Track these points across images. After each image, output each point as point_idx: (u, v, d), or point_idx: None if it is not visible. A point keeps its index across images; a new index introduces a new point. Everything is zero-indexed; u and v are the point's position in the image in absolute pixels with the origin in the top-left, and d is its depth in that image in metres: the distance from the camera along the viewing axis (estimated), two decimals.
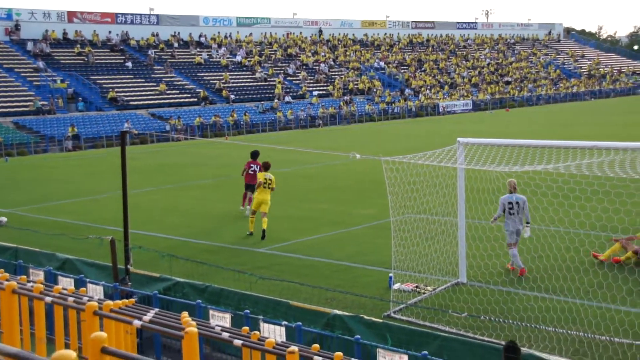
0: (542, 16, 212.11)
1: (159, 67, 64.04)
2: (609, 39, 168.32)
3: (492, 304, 11.83)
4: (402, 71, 80.00)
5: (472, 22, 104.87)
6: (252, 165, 20.41)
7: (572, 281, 12.54)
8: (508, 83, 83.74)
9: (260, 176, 18.38)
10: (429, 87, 76.08)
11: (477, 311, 11.59)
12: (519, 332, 10.47)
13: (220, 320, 8.69)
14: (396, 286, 13.07)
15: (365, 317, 9.73)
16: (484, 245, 14.72)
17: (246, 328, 8.18)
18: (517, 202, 14.20)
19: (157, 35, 70.14)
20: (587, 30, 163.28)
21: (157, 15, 73.16)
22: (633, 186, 14.73)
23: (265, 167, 18.71)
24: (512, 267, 14.07)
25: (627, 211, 15.15)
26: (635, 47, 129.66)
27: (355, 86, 72.06)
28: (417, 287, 13.06)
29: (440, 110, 69.32)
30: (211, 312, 9.08)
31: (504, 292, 12.48)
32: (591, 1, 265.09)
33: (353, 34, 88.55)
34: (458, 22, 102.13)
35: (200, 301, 10.52)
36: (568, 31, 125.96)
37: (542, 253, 14.25)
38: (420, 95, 72.99)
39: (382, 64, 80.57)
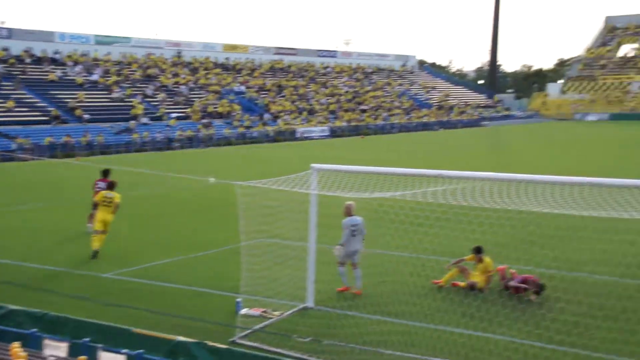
0: (398, 48, 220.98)
1: (7, 83, 60.89)
2: (458, 72, 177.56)
3: (337, 328, 12.04)
4: (262, 96, 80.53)
5: (332, 51, 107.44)
6: (99, 183, 20.18)
7: (414, 305, 13.01)
8: (364, 111, 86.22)
9: (100, 195, 18.16)
10: (288, 113, 76.97)
11: (323, 335, 11.74)
12: (361, 356, 10.71)
13: (55, 349, 8.30)
14: (243, 311, 13.02)
15: (210, 343, 9.60)
16: (332, 269, 14.98)
17: (83, 358, 7.86)
18: (359, 225, 14.63)
19: (8, 49, 66.81)
20: (438, 64, 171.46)
21: (9, 29, 69.75)
22: (472, 214, 15.54)
23: (110, 186, 18.46)
24: (347, 288, 14.39)
25: (466, 237, 15.95)
26: (481, 82, 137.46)
27: (215, 109, 71.71)
28: (264, 312, 13.07)
29: (298, 136, 70.24)
30: (45, 341, 8.65)
31: (349, 316, 12.74)
32: (442, 36, 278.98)
33: (215, 57, 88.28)
34: (319, 50, 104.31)
35: (35, 330, 10.00)
36: (421, 63, 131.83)
37: (387, 278, 14.68)
38: (279, 120, 73.68)
39: (242, 88, 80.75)
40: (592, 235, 16.10)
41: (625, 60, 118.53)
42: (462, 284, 14.42)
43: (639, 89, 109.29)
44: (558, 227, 16.39)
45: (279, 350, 11.15)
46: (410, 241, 17.27)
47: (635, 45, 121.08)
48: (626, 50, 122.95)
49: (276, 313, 13.02)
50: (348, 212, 14.71)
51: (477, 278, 14.41)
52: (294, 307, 13.34)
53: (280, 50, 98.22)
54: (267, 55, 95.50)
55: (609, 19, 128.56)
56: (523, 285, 13.95)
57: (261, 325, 12.44)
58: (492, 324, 12.04)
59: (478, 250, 14.75)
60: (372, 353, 10.77)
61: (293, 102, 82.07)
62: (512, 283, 14.22)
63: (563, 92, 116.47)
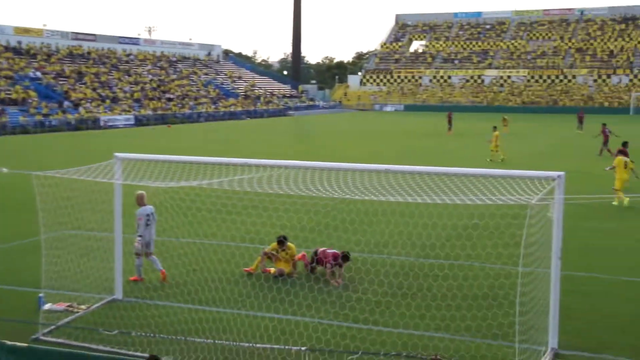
0: (202, 37, 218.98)
1: None
2: (263, 63, 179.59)
3: (147, 319, 11.79)
4: (61, 83, 76.48)
5: (134, 38, 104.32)
6: None
7: (224, 292, 13.04)
8: (170, 100, 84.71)
9: None
10: (89, 101, 73.75)
11: (133, 327, 11.45)
12: (172, 345, 10.58)
13: None
14: (47, 307, 12.37)
15: (8, 342, 9.03)
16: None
17: None
18: (152, 213, 14.36)
19: None
20: (243, 54, 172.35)
21: None
22: (278, 201, 15.85)
23: None
24: (140, 278, 14.14)
25: (272, 224, 16.24)
26: (285, 72, 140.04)
27: (8, 96, 67.05)
28: (70, 306, 12.50)
29: (102, 124, 67.64)
30: None
31: (160, 306, 12.52)
32: (247, 27, 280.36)
33: (7, 41, 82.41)
34: (120, 37, 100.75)
35: None
36: (226, 53, 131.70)
37: (197, 266, 14.60)
38: (80, 108, 70.42)
39: (38, 74, 76.13)
40: (390, 219, 17.04)
41: (417, 55, 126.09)
42: (272, 270, 14.66)
43: (429, 83, 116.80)
44: (359, 212, 17.14)
45: (86, 344, 10.73)
46: (218, 229, 17.34)
47: (424, 42, 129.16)
48: (416, 46, 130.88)
49: (83, 307, 12.49)
50: (141, 202, 14.31)
51: (283, 265, 14.67)
52: (101, 299, 12.88)
53: (78, 36, 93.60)
54: (65, 41, 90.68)
55: (399, 17, 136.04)
56: (329, 261, 14.35)
57: (67, 320, 11.89)
58: (301, 307, 12.37)
59: (281, 242, 14.73)
60: (183, 342, 10.67)
61: (95, 89, 78.76)
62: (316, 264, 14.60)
63: (362, 84, 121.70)
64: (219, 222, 17.56)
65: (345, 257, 14.39)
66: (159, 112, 78.21)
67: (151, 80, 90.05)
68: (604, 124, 41.28)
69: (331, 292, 13.12)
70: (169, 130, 65.04)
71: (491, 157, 36.84)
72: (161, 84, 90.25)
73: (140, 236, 14.04)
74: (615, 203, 23.09)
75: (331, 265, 14.31)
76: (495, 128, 39.10)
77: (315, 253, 14.62)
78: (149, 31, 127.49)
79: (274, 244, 14.77)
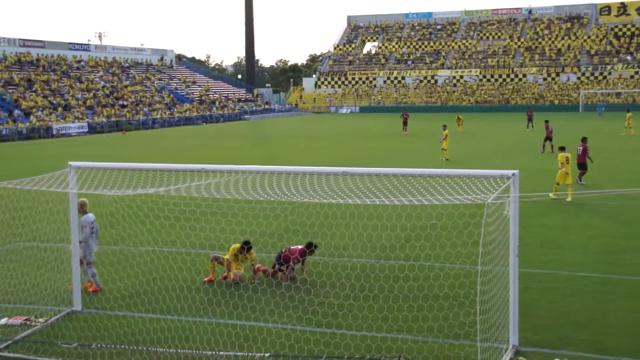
0: (154, 42, 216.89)
1: None
2: (217, 67, 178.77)
3: (108, 330, 11.60)
4: (10, 91, 74.92)
5: (85, 44, 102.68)
6: None
7: (185, 300, 12.92)
8: (124, 106, 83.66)
9: None
10: (41, 109, 72.41)
11: (93, 339, 11.27)
12: (134, 356, 10.42)
13: None
14: (3, 321, 12.08)
15: None
16: (99, 270, 14.43)
17: None
18: (94, 222, 14.07)
19: None
20: (197, 58, 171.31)
21: None
22: (237, 206, 15.78)
23: None
24: (95, 288, 13.86)
25: (232, 230, 16.15)
26: (239, 76, 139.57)
27: None
28: (27, 320, 12.22)
29: (54, 133, 66.44)
30: None
31: (120, 316, 12.33)
32: (199, 31, 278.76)
33: None
34: (70, 43, 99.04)
35: None
36: (179, 58, 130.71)
37: (157, 274, 14.43)
38: (31, 117, 69.08)
39: None
40: (349, 221, 17.09)
41: (370, 56, 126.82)
42: (231, 275, 14.53)
43: (383, 84, 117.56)
44: (318, 215, 17.15)
45: (44, 358, 10.51)
46: (177, 236, 17.20)
47: (377, 44, 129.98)
48: (369, 47, 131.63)
49: (41, 320, 12.23)
50: (84, 210, 14.00)
51: (241, 269, 14.52)
52: (60, 311, 12.63)
53: (26, 42, 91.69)
54: (12, 47, 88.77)
55: (350, 18, 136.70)
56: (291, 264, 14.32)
57: (24, 334, 11.61)
58: (264, 313, 12.32)
59: (243, 248, 14.51)
60: (144, 352, 10.53)
61: (46, 97, 77.35)
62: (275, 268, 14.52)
63: (317, 86, 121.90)
64: (177, 230, 17.40)
65: (310, 246, 14.36)
66: (113, 119, 77.14)
67: (104, 86, 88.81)
68: (547, 121, 42.16)
69: (293, 296, 13.08)
70: (124, 138, 64.23)
71: (445, 157, 37.23)
72: (114, 91, 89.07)
73: (84, 242, 13.61)
74: (568, 199, 23.57)
75: (297, 261, 14.31)
76: (445, 127, 39.18)
77: (279, 255, 14.54)
78: (100, 37, 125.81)
79: (235, 246, 14.52)
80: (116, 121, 76.43)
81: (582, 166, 26.94)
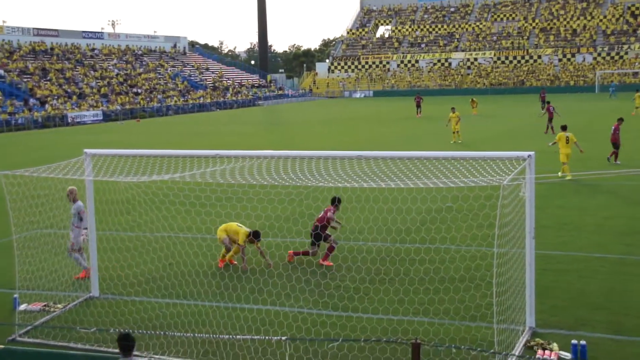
0: (167, 29, 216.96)
1: None
2: (230, 53, 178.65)
3: (125, 315, 11.70)
4: (25, 80, 75.30)
5: (98, 32, 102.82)
6: None
7: (202, 285, 12.99)
8: (138, 94, 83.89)
9: None
10: (55, 97, 72.76)
11: (111, 324, 11.37)
12: (151, 340, 10.49)
13: None
14: (22, 307, 12.21)
15: None
16: (116, 256, 14.53)
17: None
18: (84, 210, 13.98)
19: None
20: (210, 45, 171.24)
21: None
22: (252, 191, 15.81)
23: None
24: (83, 274, 13.81)
25: (247, 215, 16.19)
26: (253, 62, 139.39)
27: None
28: (46, 305, 12.35)
29: (69, 121, 66.77)
30: None
31: (137, 302, 12.41)
32: (212, 18, 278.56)
33: None
34: (84, 32, 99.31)
35: None
36: (192, 45, 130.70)
37: (173, 260, 14.52)
38: (46, 106, 69.45)
39: (1, 71, 74.85)
40: (364, 205, 17.06)
41: (384, 40, 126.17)
42: (227, 256, 14.53)
43: (397, 67, 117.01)
44: (333, 200, 17.10)
45: (63, 343, 10.62)
46: (193, 222, 17.27)
47: (390, 27, 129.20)
48: (382, 31, 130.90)
49: (59, 306, 12.35)
50: (73, 197, 13.87)
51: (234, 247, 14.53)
52: (78, 297, 12.75)
53: (40, 32, 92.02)
54: (26, 37, 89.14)
55: (364, 2, 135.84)
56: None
57: (43, 320, 11.75)
58: (280, 297, 12.36)
59: (256, 236, 14.58)
60: (162, 337, 10.60)
61: (60, 85, 77.68)
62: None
63: (331, 71, 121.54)
64: (192, 215, 17.46)
65: (334, 200, 14.53)
66: (127, 106, 77.38)
67: (117, 74, 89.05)
68: (549, 102, 44.02)
69: (309, 280, 13.11)
70: (139, 125, 64.45)
71: (458, 139, 37.25)
72: (128, 78, 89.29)
73: (85, 228, 13.62)
74: (568, 177, 23.62)
75: (332, 219, 14.83)
76: (453, 109, 38.87)
77: (316, 231, 14.66)
78: (113, 25, 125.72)
79: (244, 231, 14.48)
80: (130, 109, 76.67)
81: (614, 145, 27.20)
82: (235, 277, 13.52)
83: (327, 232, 14.83)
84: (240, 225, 14.74)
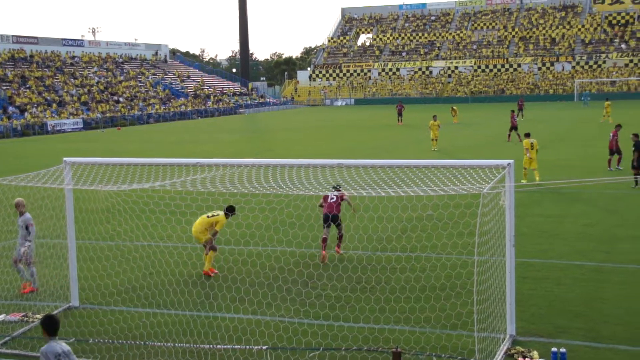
0: (148, 37, 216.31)
1: None
2: (212, 61, 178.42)
3: (105, 325, 11.62)
4: (4, 88, 74.64)
5: (78, 40, 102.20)
6: None
7: (182, 294, 12.92)
8: (118, 102, 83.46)
9: None
10: (35, 105, 72.18)
11: (90, 334, 11.26)
12: (131, 351, 10.42)
13: None
14: (0, 317, 12.08)
15: None
16: (95, 266, 14.41)
17: None
18: (32, 223, 13.51)
19: None
20: (191, 52, 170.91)
21: None
22: (233, 200, 15.77)
23: None
24: (31, 288, 13.46)
25: (228, 224, 16.09)
26: (234, 70, 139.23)
27: None
28: (24, 316, 12.22)
29: (49, 129, 66.24)
30: None
31: (117, 311, 12.32)
32: (193, 25, 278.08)
33: None
34: (64, 39, 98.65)
35: None
36: (174, 52, 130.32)
37: (153, 269, 14.42)
38: (26, 114, 68.87)
39: None
40: (345, 213, 17.06)
41: (365, 48, 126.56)
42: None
43: (378, 75, 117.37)
44: (314, 208, 17.12)
45: None
46: (173, 231, 17.18)
47: (371, 35, 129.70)
48: (364, 39, 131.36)
49: (38, 316, 12.19)
50: (20, 210, 13.49)
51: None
52: (57, 307, 12.62)
53: (20, 39, 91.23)
54: (5, 44, 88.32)
55: (344, 10, 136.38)
56: None
57: (22, 330, 11.62)
58: (261, 306, 12.33)
59: (231, 210, 14.81)
60: (142, 347, 10.53)
61: (40, 93, 77.07)
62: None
63: (312, 79, 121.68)
64: (173, 224, 17.37)
65: (337, 188, 14.71)
66: (108, 114, 76.93)
67: (98, 82, 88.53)
68: (513, 111, 44.52)
69: (290, 289, 13.08)
70: (119, 133, 64.09)
71: (434, 147, 37.63)
72: (108, 86, 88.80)
73: (30, 241, 13.35)
74: (523, 181, 24.32)
75: (342, 199, 15.49)
76: (435, 117, 38.97)
77: (327, 216, 15.38)
78: (93, 32, 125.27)
79: (221, 217, 14.58)
80: (111, 117, 76.23)
81: (614, 152, 27.59)
82: (215, 286, 13.45)
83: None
84: (211, 214, 14.68)
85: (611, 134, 27.69)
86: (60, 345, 7.46)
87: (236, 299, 12.66)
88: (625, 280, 13.70)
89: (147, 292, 13.15)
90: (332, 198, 15.38)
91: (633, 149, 24.54)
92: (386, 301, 12.16)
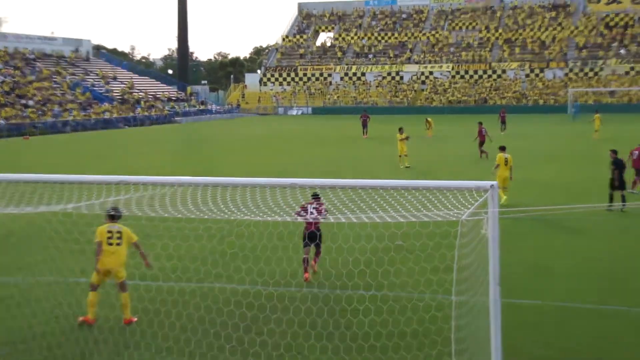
0: (67, 30, 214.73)
1: None
2: (144, 60, 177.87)
3: None
4: None
5: None
6: None
7: (95, 343, 12.49)
8: (27, 106, 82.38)
9: None
10: None
11: None
12: None
13: None
14: None
15: None
16: None
17: None
18: None
19: None
20: (119, 50, 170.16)
21: None
22: (162, 226, 15.39)
23: None
24: None
25: (156, 255, 15.73)
26: (170, 72, 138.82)
27: None
28: None
29: None
30: None
31: None
32: (122, 18, 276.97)
33: None
34: None
35: None
36: (98, 49, 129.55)
37: (60, 311, 13.94)
38: None
39: None
40: (299, 243, 16.80)
41: (325, 49, 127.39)
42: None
43: (340, 81, 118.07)
44: (261, 236, 16.84)
45: None
46: (88, 263, 16.63)
47: (332, 34, 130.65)
48: (324, 39, 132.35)
49: None
50: None
51: (113, 262, 13.90)
52: None
53: None
54: None
55: (302, 5, 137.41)
56: None
57: None
58: (194, 357, 11.98)
59: (112, 217, 14.09)
60: None
61: None
62: None
63: (263, 83, 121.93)
64: (88, 255, 16.86)
65: (315, 195, 15.08)
66: (14, 121, 75.84)
67: (3, 82, 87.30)
68: (480, 123, 43.90)
69: (230, 335, 12.71)
70: (27, 143, 63.16)
71: (406, 163, 37.69)
72: (16, 87, 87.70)
73: None
74: (502, 202, 24.37)
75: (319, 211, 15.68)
76: (401, 129, 39.19)
77: (305, 234, 16.00)
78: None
79: (102, 228, 13.96)
80: (17, 123, 75.12)
81: (638, 172, 27.94)
82: (138, 332, 13.00)
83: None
84: (115, 230, 14.00)
85: (637, 152, 27.74)
86: None
87: (162, 349, 12.24)
88: (634, 324, 13.66)
89: (51, 340, 12.64)
90: (311, 212, 15.24)
91: (613, 167, 24.76)
92: (346, 351, 11.89)
